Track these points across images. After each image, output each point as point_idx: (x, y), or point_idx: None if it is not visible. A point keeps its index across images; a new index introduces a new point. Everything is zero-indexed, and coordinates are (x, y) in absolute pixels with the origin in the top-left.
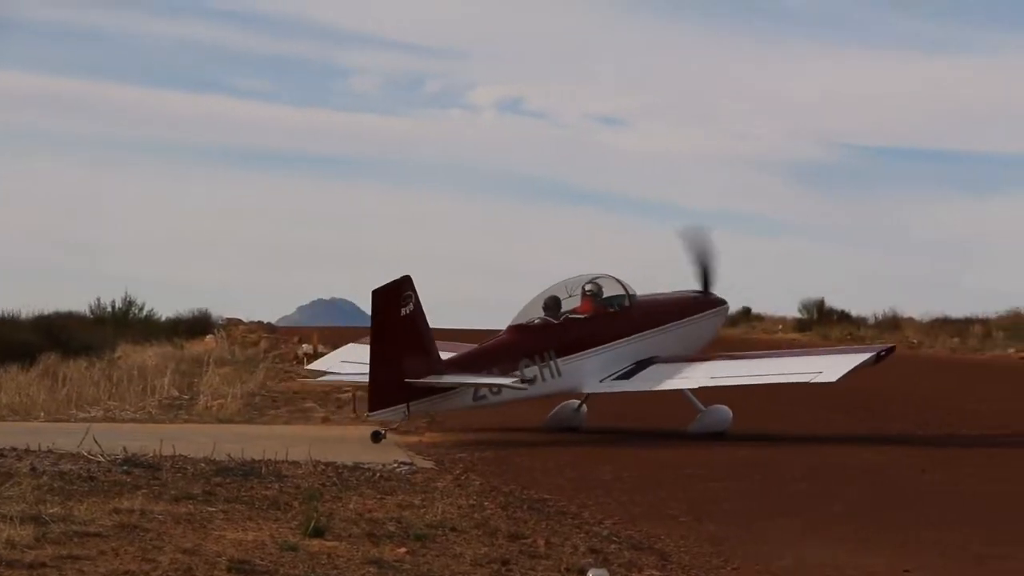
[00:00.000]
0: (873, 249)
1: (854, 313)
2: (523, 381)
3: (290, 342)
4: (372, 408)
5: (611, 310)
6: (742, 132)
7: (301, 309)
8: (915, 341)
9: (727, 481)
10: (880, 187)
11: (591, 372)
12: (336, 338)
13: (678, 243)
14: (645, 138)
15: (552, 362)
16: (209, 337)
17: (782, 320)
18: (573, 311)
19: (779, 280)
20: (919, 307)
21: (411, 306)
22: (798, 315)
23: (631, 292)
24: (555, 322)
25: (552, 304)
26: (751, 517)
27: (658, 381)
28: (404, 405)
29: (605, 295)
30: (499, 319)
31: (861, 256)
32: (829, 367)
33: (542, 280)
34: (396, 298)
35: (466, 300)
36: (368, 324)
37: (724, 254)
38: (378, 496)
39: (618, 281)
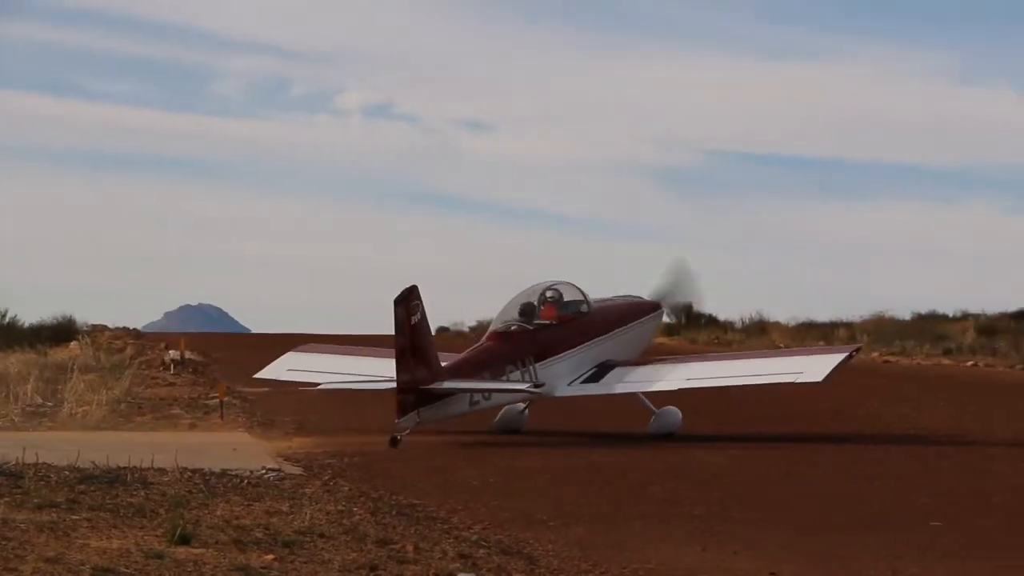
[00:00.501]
0: (738, 254)
1: (721, 317)
2: (536, 386)
3: (157, 348)
4: (400, 415)
5: (573, 315)
6: (608, 138)
7: (168, 315)
8: (781, 345)
9: (592, 485)
10: (746, 193)
11: (560, 376)
12: (204, 344)
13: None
14: (511, 143)
15: (531, 367)
16: (73, 343)
17: None
18: (540, 317)
19: (647, 285)
20: (785, 311)
21: (419, 315)
22: (665, 319)
23: (588, 298)
24: (531, 328)
25: (528, 310)
26: (617, 520)
27: (631, 384)
28: (415, 411)
29: (565, 300)
30: (368, 324)
31: (727, 260)
32: (809, 367)
33: (411, 284)
34: (409, 307)
35: (336, 305)
36: (235, 330)
37: (595, 260)
38: (245, 503)
39: (576, 287)
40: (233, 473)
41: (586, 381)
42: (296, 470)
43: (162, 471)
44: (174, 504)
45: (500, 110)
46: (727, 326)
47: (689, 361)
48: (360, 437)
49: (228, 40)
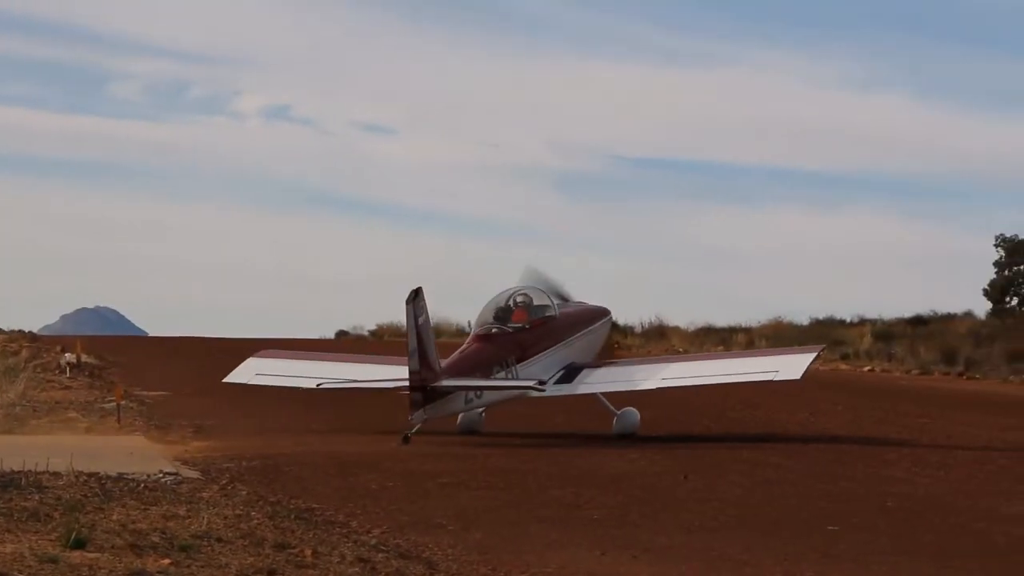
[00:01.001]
0: (637, 258)
1: (621, 322)
2: (541, 383)
3: (53, 351)
4: (412, 411)
5: (543, 319)
6: (509, 142)
7: (64, 318)
8: (681, 350)
9: (491, 490)
10: (645, 198)
11: (537, 377)
12: (100, 347)
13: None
14: (411, 146)
15: (514, 368)
16: None
17: None
18: (511, 320)
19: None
20: (684, 316)
21: (424, 315)
22: None
23: (556, 302)
24: (508, 331)
25: (502, 315)
26: (517, 524)
27: (607, 384)
28: (422, 409)
29: (535, 304)
30: (267, 327)
31: (626, 265)
32: (784, 366)
33: (311, 288)
34: (416, 307)
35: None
36: (133, 333)
37: (495, 264)
38: (142, 507)
39: (543, 292)
40: (130, 477)
41: (558, 382)
42: (194, 474)
43: (57, 475)
44: (69, 508)
45: (400, 113)
46: (627, 331)
47: (663, 361)
48: (260, 440)
49: (126, 42)
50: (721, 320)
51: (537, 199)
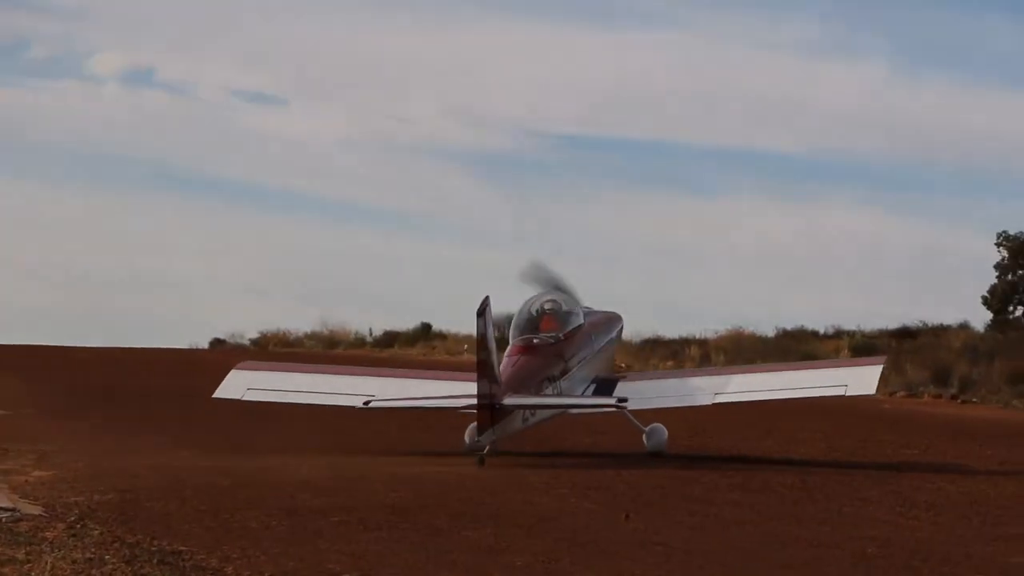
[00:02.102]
0: (572, 257)
1: None
2: (622, 400)
3: None
4: (479, 432)
5: (575, 328)
6: (410, 115)
7: None
8: (623, 366)
9: (393, 530)
10: (573, 183)
11: (570, 392)
12: None
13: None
14: (300, 119)
15: (559, 383)
16: None
17: (468, 338)
18: (541, 329)
19: (463, 291)
20: (628, 325)
21: (491, 327)
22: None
23: (581, 308)
24: (550, 342)
25: (535, 324)
26: (423, 571)
27: (655, 400)
28: (490, 429)
29: (564, 311)
30: (122, 335)
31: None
32: (853, 379)
33: (173, 289)
34: (487, 318)
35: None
36: None
37: (396, 261)
38: None
39: (571, 295)
40: None
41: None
42: (35, 510)
43: None
44: None
45: (286, 80)
46: None
47: (707, 374)
48: (116, 468)
49: None
50: (669, 331)
51: (454, 184)
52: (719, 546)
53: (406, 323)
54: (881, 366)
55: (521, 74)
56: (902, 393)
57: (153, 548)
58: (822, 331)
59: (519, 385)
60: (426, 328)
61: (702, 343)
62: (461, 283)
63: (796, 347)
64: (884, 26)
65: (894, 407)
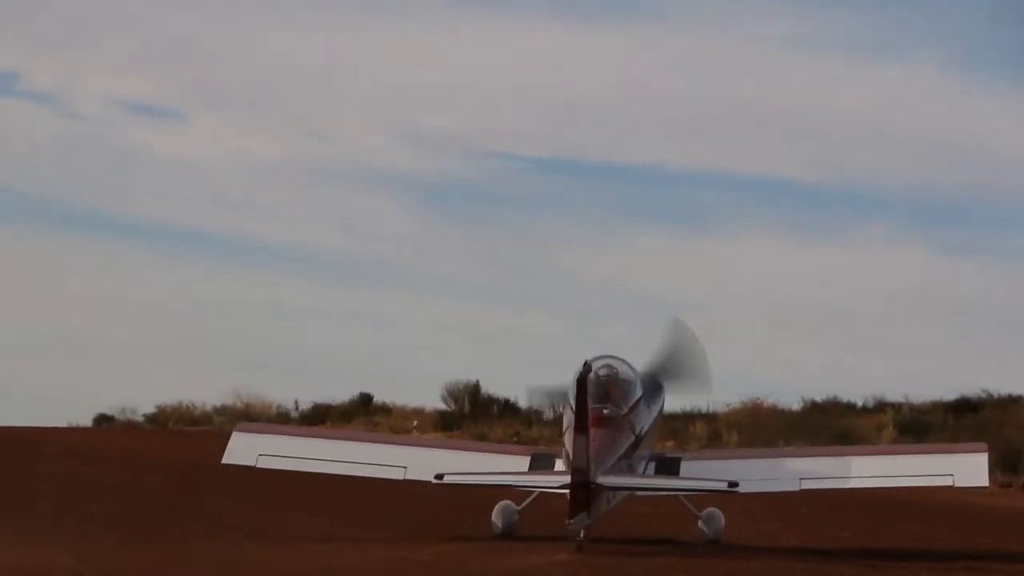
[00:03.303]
0: (534, 305)
1: (522, 404)
2: (732, 484)
3: None
4: (574, 513)
5: (635, 398)
6: (337, 133)
7: None
8: None
9: None
10: (542, 217)
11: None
12: None
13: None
14: (202, 137)
15: (631, 459)
16: None
17: (418, 413)
18: (609, 400)
19: (411, 355)
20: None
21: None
22: (442, 405)
23: (638, 373)
24: (623, 413)
25: (601, 392)
26: None
27: (749, 483)
28: (585, 512)
29: (621, 378)
30: None
31: (516, 317)
32: (959, 468)
33: (45, 352)
34: (587, 386)
35: None
36: None
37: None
38: None
39: (624, 360)
40: None
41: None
42: None
43: None
44: None
45: (185, 90)
46: (531, 415)
47: (778, 456)
48: None
49: None
50: (668, 403)
51: (385, 215)
52: None
53: (340, 393)
54: (985, 453)
55: (472, 81)
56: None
57: None
58: (860, 403)
59: (607, 464)
60: (365, 399)
61: (710, 418)
62: (405, 342)
63: (828, 423)
64: (935, 18)
65: (950, 498)
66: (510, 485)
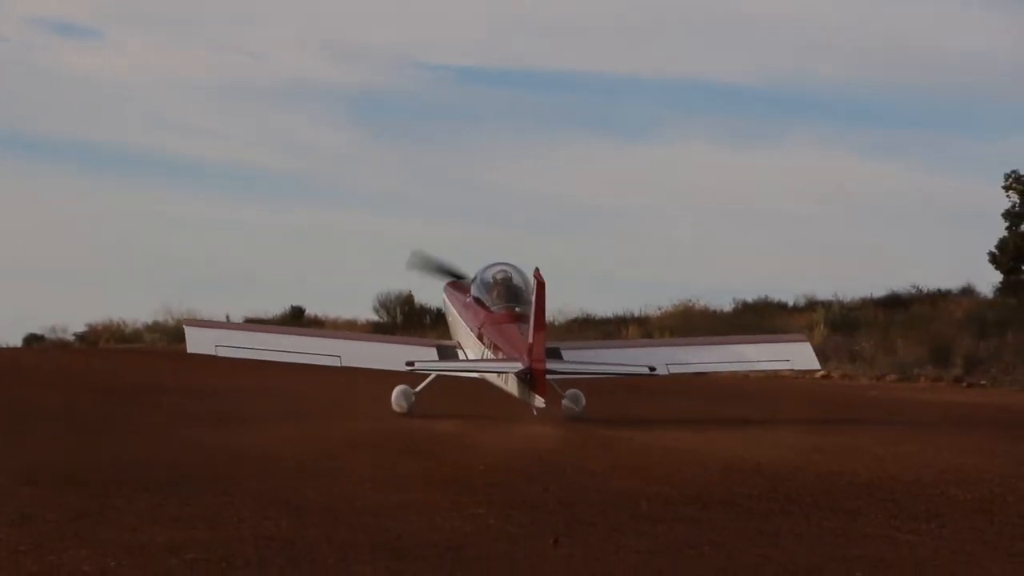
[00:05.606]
0: (469, 219)
1: None
2: (652, 368)
3: None
4: (542, 394)
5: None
6: (266, 48)
7: None
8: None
9: (265, 567)
10: (475, 128)
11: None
12: None
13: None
14: (124, 55)
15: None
16: None
17: (351, 324)
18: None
19: (344, 268)
20: (549, 302)
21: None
22: (374, 317)
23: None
24: (526, 312)
25: (511, 293)
26: None
27: (614, 366)
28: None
29: (514, 282)
30: None
31: (451, 229)
32: (794, 355)
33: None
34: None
35: None
36: None
37: (246, 233)
38: None
39: (515, 267)
40: None
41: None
42: None
43: None
44: None
45: (108, 7)
46: None
47: (646, 346)
48: None
49: None
50: (602, 308)
51: (311, 132)
52: (672, 574)
53: (272, 308)
54: (808, 343)
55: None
56: (893, 376)
57: None
58: (791, 303)
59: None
60: (297, 313)
61: (642, 321)
62: (336, 256)
63: (759, 323)
64: None
65: (883, 393)
66: (472, 372)
